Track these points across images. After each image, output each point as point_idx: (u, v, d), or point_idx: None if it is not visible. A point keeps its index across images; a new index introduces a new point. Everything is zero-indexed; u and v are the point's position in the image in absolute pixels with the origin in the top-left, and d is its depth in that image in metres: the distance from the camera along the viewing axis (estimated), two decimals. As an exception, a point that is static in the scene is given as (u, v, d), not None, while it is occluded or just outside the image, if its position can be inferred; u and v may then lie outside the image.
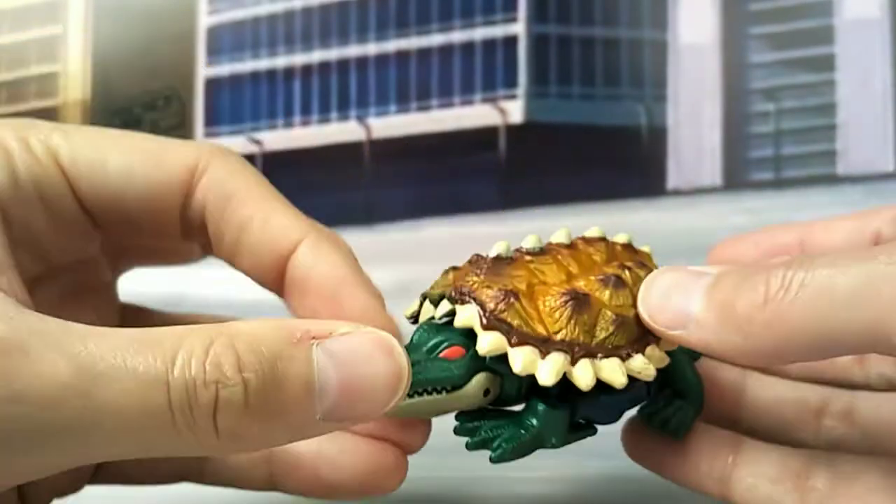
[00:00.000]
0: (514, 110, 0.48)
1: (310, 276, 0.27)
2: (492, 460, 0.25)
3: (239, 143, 0.51)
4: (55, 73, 0.52)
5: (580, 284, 0.26)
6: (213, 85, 0.52)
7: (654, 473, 0.30)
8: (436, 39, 0.49)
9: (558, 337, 0.25)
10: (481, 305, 0.24)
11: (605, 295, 0.26)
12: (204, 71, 0.52)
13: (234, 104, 0.51)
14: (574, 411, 0.26)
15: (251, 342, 0.21)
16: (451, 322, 0.25)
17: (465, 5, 0.49)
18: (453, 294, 0.25)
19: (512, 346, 0.24)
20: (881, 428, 0.29)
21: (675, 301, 0.24)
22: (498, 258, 0.26)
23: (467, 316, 0.24)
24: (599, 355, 0.25)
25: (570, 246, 0.27)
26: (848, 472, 0.28)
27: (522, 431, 0.25)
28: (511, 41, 0.48)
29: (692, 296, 0.24)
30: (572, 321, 0.25)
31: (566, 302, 0.25)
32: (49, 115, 0.52)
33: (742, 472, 0.29)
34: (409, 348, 0.25)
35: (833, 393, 0.30)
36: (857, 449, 0.29)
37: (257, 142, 0.51)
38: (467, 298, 0.25)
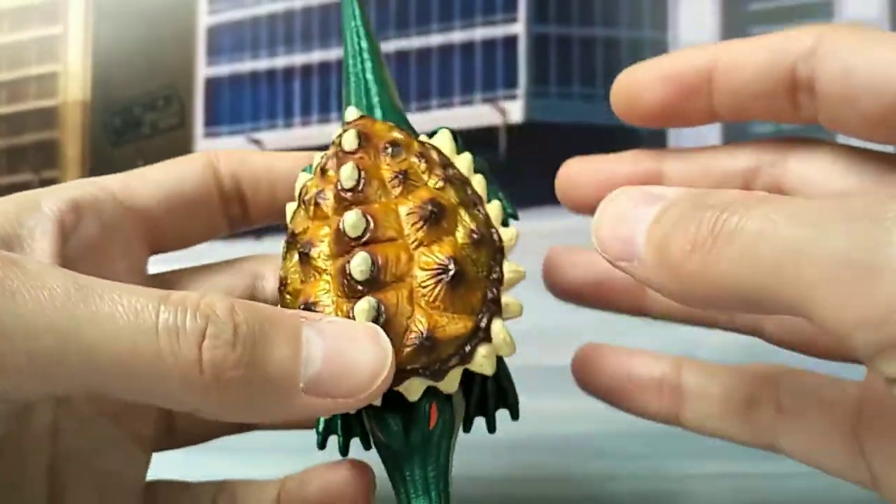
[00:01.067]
0: (514, 110, 0.48)
1: None
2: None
3: (239, 143, 0.51)
4: (55, 73, 0.52)
5: (420, 241, 0.25)
6: (212, 85, 0.52)
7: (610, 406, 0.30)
8: (435, 39, 0.49)
9: (479, 316, 0.25)
10: (417, 369, 0.24)
11: (445, 236, 0.25)
12: (204, 71, 0.52)
13: (234, 104, 0.51)
14: None
15: (246, 302, 0.22)
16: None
17: (465, 5, 0.49)
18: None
19: (465, 361, 0.25)
20: None
21: (624, 232, 0.23)
22: (369, 280, 0.24)
23: (420, 389, 0.24)
24: (496, 290, 0.25)
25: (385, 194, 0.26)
26: (791, 405, 0.28)
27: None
28: (511, 41, 0.48)
29: (639, 228, 0.23)
30: (469, 295, 0.25)
31: (447, 291, 0.24)
32: (49, 114, 0.52)
33: (688, 409, 0.29)
34: (409, 439, 0.25)
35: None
36: None
37: (257, 142, 0.51)
38: (403, 376, 0.24)
